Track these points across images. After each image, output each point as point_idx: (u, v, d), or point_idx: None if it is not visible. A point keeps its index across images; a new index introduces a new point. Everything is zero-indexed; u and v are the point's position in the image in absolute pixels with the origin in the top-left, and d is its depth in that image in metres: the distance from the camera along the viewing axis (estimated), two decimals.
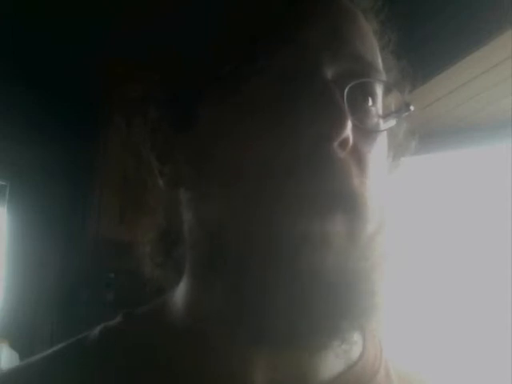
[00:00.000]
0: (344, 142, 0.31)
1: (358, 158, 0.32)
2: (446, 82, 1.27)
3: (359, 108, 0.34)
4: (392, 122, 0.36)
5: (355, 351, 0.38)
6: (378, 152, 0.34)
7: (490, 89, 1.28)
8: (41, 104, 2.00)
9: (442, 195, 1.59)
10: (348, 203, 0.31)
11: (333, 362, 0.36)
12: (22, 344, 1.88)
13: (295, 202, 0.30)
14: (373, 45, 0.36)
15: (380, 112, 0.35)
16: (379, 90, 0.35)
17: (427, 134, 1.47)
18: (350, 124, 0.30)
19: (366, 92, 0.34)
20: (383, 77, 0.35)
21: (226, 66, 0.32)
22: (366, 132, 0.33)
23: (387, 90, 0.36)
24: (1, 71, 1.78)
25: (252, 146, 0.32)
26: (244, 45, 0.32)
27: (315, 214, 0.30)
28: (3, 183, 2.14)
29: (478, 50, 1.11)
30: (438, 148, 1.57)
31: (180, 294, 0.38)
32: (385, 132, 0.36)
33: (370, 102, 0.34)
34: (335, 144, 0.30)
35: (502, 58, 1.14)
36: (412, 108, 0.35)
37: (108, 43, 1.69)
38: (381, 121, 0.35)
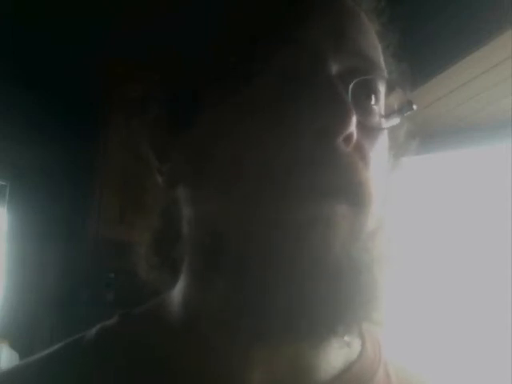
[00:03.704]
0: (348, 138, 0.31)
1: (361, 154, 0.32)
2: (446, 81, 1.27)
3: (362, 105, 0.34)
4: (395, 121, 0.36)
5: (354, 351, 0.38)
6: (380, 150, 0.34)
7: (489, 89, 1.28)
8: (41, 104, 2.00)
9: (442, 195, 1.59)
10: (354, 196, 0.31)
11: (331, 361, 0.36)
12: (22, 344, 1.88)
13: (297, 200, 0.30)
14: (375, 43, 0.36)
15: (382, 110, 0.36)
16: (382, 88, 0.35)
17: (427, 134, 1.47)
18: (354, 120, 0.30)
19: (369, 89, 0.34)
20: (386, 75, 0.36)
21: (225, 65, 0.32)
22: (368, 129, 0.34)
23: (390, 89, 0.36)
24: (1, 71, 1.78)
25: (253, 144, 0.31)
26: (244, 44, 0.32)
27: (318, 212, 0.30)
28: (3, 183, 2.14)
29: (477, 50, 1.11)
30: (438, 148, 1.57)
31: (178, 293, 0.38)
32: (386, 130, 0.36)
33: (373, 100, 0.35)
34: (339, 139, 0.30)
35: (502, 58, 1.14)
36: (415, 107, 0.35)
37: (108, 43, 1.69)
38: (383, 119, 0.35)
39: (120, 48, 1.66)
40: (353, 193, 0.31)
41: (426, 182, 1.57)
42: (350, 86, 0.32)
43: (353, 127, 0.30)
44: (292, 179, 0.30)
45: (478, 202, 1.53)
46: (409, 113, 0.36)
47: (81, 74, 1.83)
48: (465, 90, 1.31)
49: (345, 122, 0.30)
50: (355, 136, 0.31)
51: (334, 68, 0.32)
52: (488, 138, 1.50)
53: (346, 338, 0.32)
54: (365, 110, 0.34)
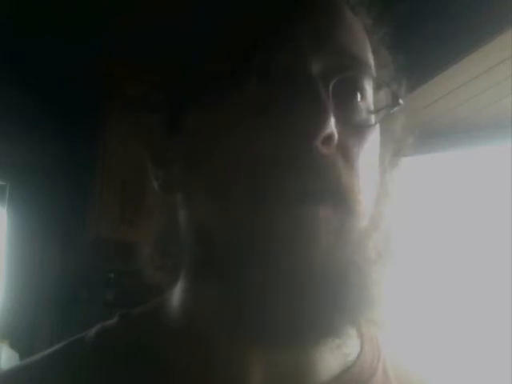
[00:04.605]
0: (328, 139, 0.30)
1: (346, 153, 0.32)
2: (445, 82, 1.27)
3: (347, 103, 0.33)
4: (381, 117, 0.35)
5: (353, 352, 0.38)
6: (367, 148, 0.34)
7: (489, 89, 1.28)
8: (41, 104, 2.00)
9: (441, 195, 1.59)
10: (337, 199, 0.31)
11: (330, 362, 0.36)
12: (22, 344, 1.89)
13: (281, 200, 0.30)
14: (361, 40, 0.35)
15: (370, 107, 0.35)
16: (368, 85, 0.35)
17: (427, 134, 1.47)
18: (332, 120, 0.30)
19: (354, 87, 0.34)
20: (372, 71, 0.35)
21: (214, 68, 0.32)
22: (354, 128, 0.33)
23: (378, 86, 0.36)
24: (1, 72, 1.79)
25: (236, 147, 0.32)
26: (232, 48, 0.32)
27: (303, 212, 0.30)
28: (3, 183, 2.14)
29: (477, 50, 1.11)
30: (438, 148, 1.57)
31: (177, 294, 0.38)
32: (376, 127, 0.35)
33: (359, 98, 0.34)
34: (318, 141, 0.30)
35: (502, 58, 1.14)
36: (401, 102, 0.35)
37: (109, 44, 1.69)
38: (371, 116, 0.35)
39: (120, 49, 1.66)
40: (335, 195, 0.31)
41: (426, 182, 1.57)
42: (331, 85, 0.31)
43: (331, 128, 0.30)
44: (274, 182, 0.30)
45: (478, 203, 1.53)
46: (398, 109, 0.35)
47: (81, 74, 1.83)
48: (465, 90, 1.31)
49: (321, 123, 0.29)
50: (336, 136, 0.30)
51: (316, 67, 0.32)
52: (488, 139, 1.50)
53: (338, 341, 0.31)
54: (349, 108, 0.33)
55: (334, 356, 0.36)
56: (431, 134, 1.50)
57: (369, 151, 0.34)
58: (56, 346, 0.40)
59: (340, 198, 0.31)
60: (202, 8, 0.37)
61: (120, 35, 1.61)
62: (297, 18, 0.33)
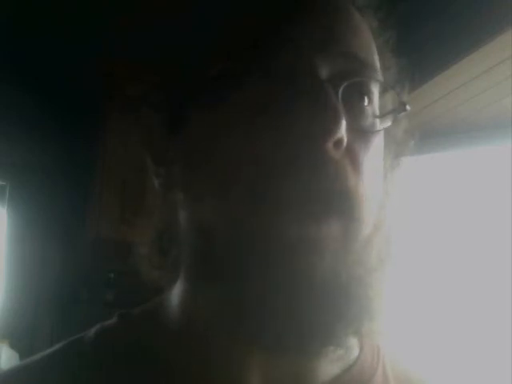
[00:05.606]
0: (338, 143, 0.30)
1: (353, 158, 0.32)
2: (445, 82, 1.27)
3: (355, 108, 0.33)
4: (388, 122, 0.35)
5: (352, 353, 0.38)
6: (373, 152, 0.34)
7: (489, 89, 1.28)
8: (41, 104, 2.00)
9: (442, 195, 1.59)
10: (343, 203, 0.31)
11: (330, 364, 0.36)
12: (22, 344, 1.89)
13: (287, 203, 0.30)
14: (368, 43, 0.35)
15: (376, 111, 0.35)
16: (375, 89, 0.35)
17: (427, 134, 1.47)
18: (344, 124, 0.30)
19: (361, 91, 0.34)
20: (379, 75, 0.35)
21: (214, 68, 0.32)
22: (361, 132, 0.33)
23: (384, 89, 0.36)
24: (1, 72, 1.79)
25: (240, 148, 0.31)
26: (232, 47, 0.32)
27: (309, 215, 0.30)
28: (3, 183, 2.15)
29: (477, 50, 1.11)
30: (438, 148, 1.57)
31: (176, 294, 0.38)
32: (381, 132, 0.35)
33: (366, 102, 0.34)
34: (329, 144, 0.30)
35: (502, 58, 1.14)
36: (408, 107, 0.35)
37: (109, 44, 1.69)
38: (377, 120, 0.35)
39: (120, 49, 1.66)
40: (342, 201, 0.31)
41: (426, 182, 1.57)
42: (340, 89, 0.31)
43: (342, 132, 0.30)
44: (274, 182, 0.30)
45: (478, 203, 1.53)
46: (403, 114, 0.35)
47: (81, 74, 1.83)
48: (465, 90, 1.31)
49: (333, 127, 0.29)
50: (345, 140, 0.31)
51: (324, 70, 0.32)
52: (488, 139, 1.50)
53: (340, 351, 0.31)
54: (357, 112, 0.33)
55: (333, 359, 0.36)
56: (431, 134, 1.50)
57: (374, 155, 0.34)
58: (55, 346, 0.39)
59: (345, 200, 0.31)
60: (202, 8, 0.37)
61: (120, 35, 1.61)
62: (297, 18, 0.33)
